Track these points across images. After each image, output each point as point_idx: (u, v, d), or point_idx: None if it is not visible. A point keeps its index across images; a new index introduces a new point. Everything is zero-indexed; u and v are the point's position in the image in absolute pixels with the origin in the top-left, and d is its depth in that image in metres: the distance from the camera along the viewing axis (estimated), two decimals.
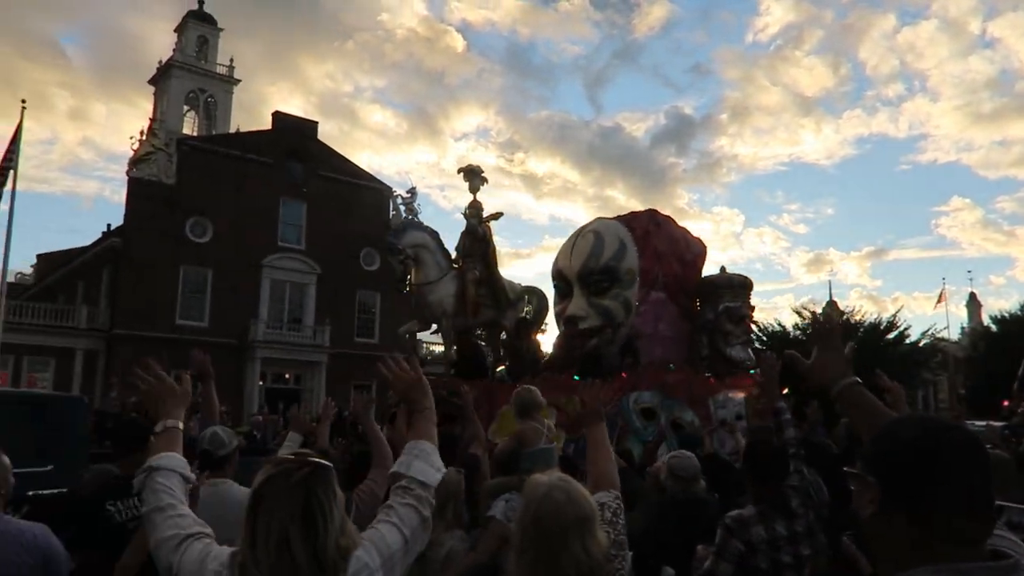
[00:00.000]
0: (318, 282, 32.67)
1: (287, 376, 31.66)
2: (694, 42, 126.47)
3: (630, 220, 11.10)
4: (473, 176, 10.88)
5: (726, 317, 10.81)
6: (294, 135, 33.13)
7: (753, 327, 13.49)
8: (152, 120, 33.89)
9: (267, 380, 30.75)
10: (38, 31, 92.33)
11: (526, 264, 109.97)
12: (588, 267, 10.26)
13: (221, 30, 42.04)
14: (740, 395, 9.89)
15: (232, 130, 37.46)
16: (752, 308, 11.32)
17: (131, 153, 30.54)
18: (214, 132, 37.26)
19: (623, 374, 9.44)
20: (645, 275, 10.63)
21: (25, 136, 14.87)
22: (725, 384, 9.97)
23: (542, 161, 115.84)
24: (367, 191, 33.87)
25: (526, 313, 11.60)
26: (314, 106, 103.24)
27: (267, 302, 31.40)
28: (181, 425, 2.06)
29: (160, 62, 41.03)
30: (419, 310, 10.69)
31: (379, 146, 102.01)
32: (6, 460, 3.11)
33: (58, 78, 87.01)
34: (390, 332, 34.15)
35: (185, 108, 39.88)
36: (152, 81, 41.88)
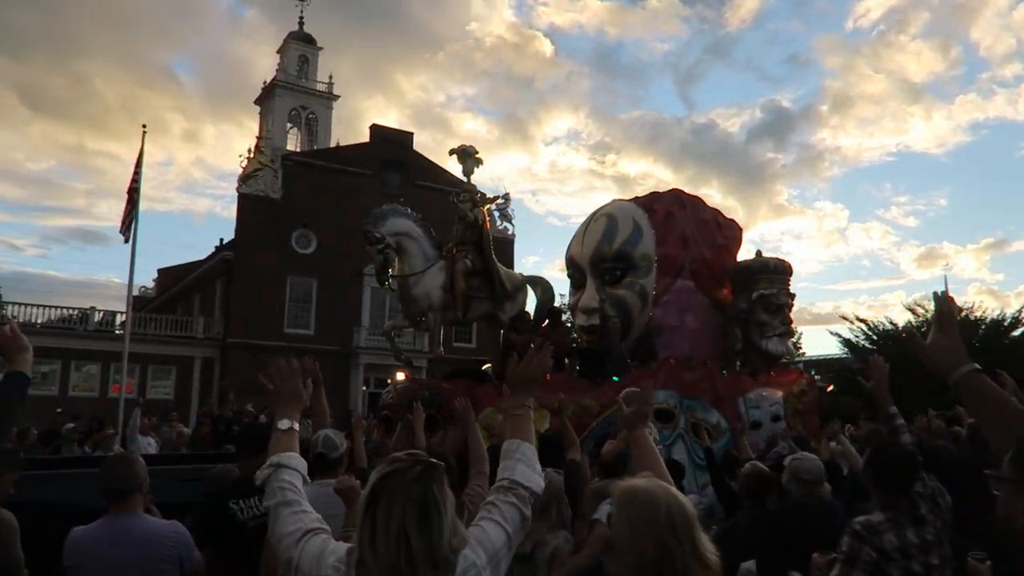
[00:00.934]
0: None
1: (389, 381, 32.47)
2: (790, 32, 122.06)
3: (650, 201, 10.12)
4: (466, 157, 10.04)
5: (761, 306, 9.78)
6: (391, 146, 34.04)
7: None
8: (259, 138, 35.50)
9: (370, 385, 31.70)
10: (154, 60, 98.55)
11: None
12: (600, 253, 9.47)
13: (320, 49, 43.70)
14: (778, 393, 9.05)
15: (332, 144, 38.78)
16: (792, 296, 10.15)
17: (240, 171, 32.09)
18: (316, 147, 38.68)
19: (631, 371, 8.41)
20: (669, 262, 9.69)
21: (145, 159, 15.84)
22: (759, 381, 9.09)
23: (634, 162, 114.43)
24: None
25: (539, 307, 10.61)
26: (408, 117, 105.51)
27: (368, 309, 32.37)
28: (298, 427, 2.17)
29: (265, 83, 43.05)
30: (404, 305, 9.71)
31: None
32: (142, 461, 3.35)
33: (172, 103, 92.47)
34: (488, 337, 34.63)
35: (288, 125, 41.62)
36: (258, 101, 43.97)
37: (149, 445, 10.09)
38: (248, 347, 28.16)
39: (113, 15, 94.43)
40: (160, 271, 45.54)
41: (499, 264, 10.02)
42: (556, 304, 11.30)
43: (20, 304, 30.58)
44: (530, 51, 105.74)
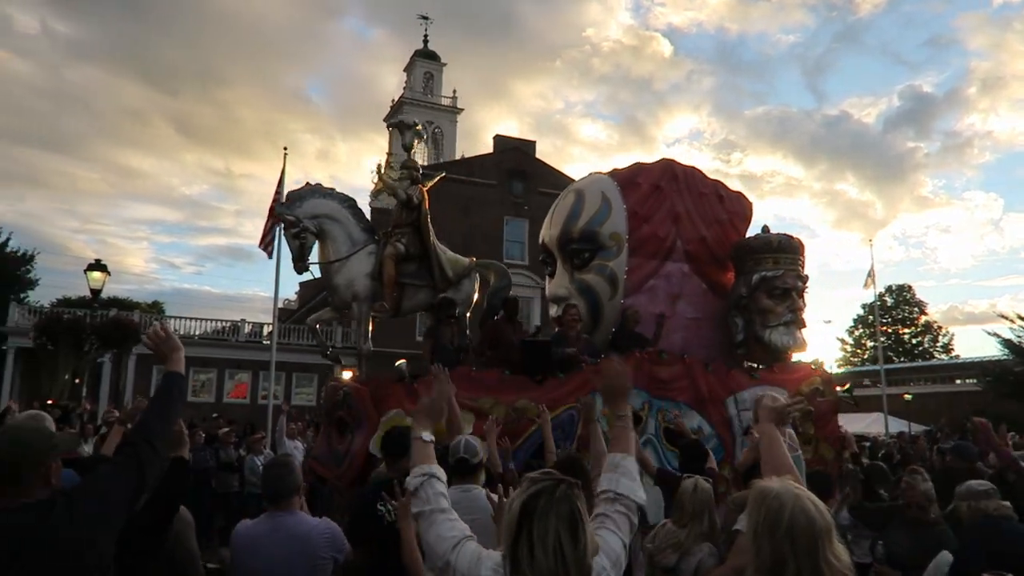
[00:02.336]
0: (542, 296, 33.59)
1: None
2: (929, 12, 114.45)
3: (633, 174, 8.78)
4: (405, 130, 9.06)
5: (763, 291, 8.31)
6: (514, 155, 34.56)
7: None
8: (388, 154, 36.94)
9: None
10: (291, 85, 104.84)
11: None
12: (566, 233, 8.39)
13: (444, 65, 45.12)
14: (782, 392, 7.46)
15: (458, 156, 39.82)
16: (803, 279, 8.56)
17: (371, 186, 33.53)
18: (441, 160, 39.87)
19: (585, 369, 7.17)
20: (656, 242, 8.46)
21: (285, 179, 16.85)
22: (756, 378, 7.71)
23: (761, 159, 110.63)
24: None
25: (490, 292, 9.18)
26: (528, 126, 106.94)
27: None
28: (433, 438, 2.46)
29: (393, 100, 44.89)
30: (329, 294, 8.79)
31: (592, 159, 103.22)
32: (298, 466, 3.61)
33: (307, 125, 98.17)
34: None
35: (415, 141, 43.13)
36: (387, 119, 45.83)
37: (296, 448, 10.54)
38: (382, 356, 29.22)
39: (250, 46, 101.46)
40: (301, 284, 48.18)
41: (443, 248, 8.88)
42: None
43: (181, 318, 33.37)
44: (648, 53, 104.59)
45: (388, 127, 8.72)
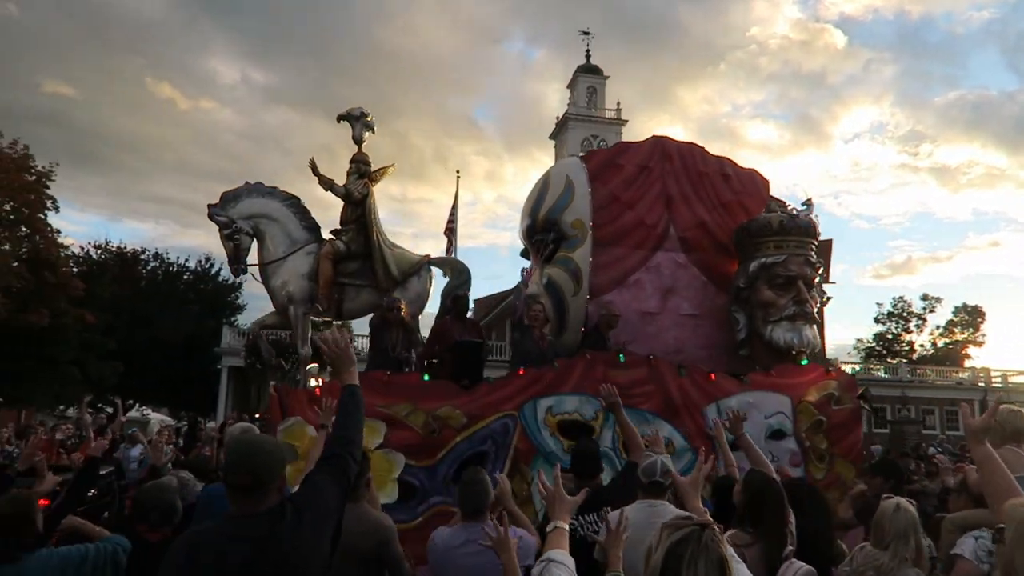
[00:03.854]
0: None
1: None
2: None
3: (614, 155, 7.90)
4: (353, 121, 8.41)
5: (764, 280, 7.19)
6: None
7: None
8: None
9: None
10: (459, 111, 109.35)
11: (944, 269, 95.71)
12: (531, 222, 7.69)
13: (607, 78, 45.16)
14: (783, 399, 6.55)
15: None
16: (813, 266, 7.39)
17: None
18: None
19: (520, 371, 6.30)
20: (643, 230, 7.58)
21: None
22: (749, 382, 6.58)
23: (955, 148, 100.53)
24: None
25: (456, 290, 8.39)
26: (693, 132, 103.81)
27: None
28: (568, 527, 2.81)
29: (557, 118, 45.58)
30: (270, 297, 8.25)
31: (763, 161, 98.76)
32: (490, 482, 3.87)
33: (475, 147, 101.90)
34: None
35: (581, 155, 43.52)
36: (552, 136, 46.56)
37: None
38: None
39: (421, 76, 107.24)
40: (474, 301, 49.84)
41: (392, 245, 8.33)
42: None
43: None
44: (819, 46, 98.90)
45: (340, 120, 7.87)
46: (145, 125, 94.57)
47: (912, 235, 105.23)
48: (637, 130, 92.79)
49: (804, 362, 7.04)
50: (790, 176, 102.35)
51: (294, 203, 8.24)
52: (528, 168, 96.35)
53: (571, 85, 45.91)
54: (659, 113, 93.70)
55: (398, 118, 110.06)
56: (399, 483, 5.57)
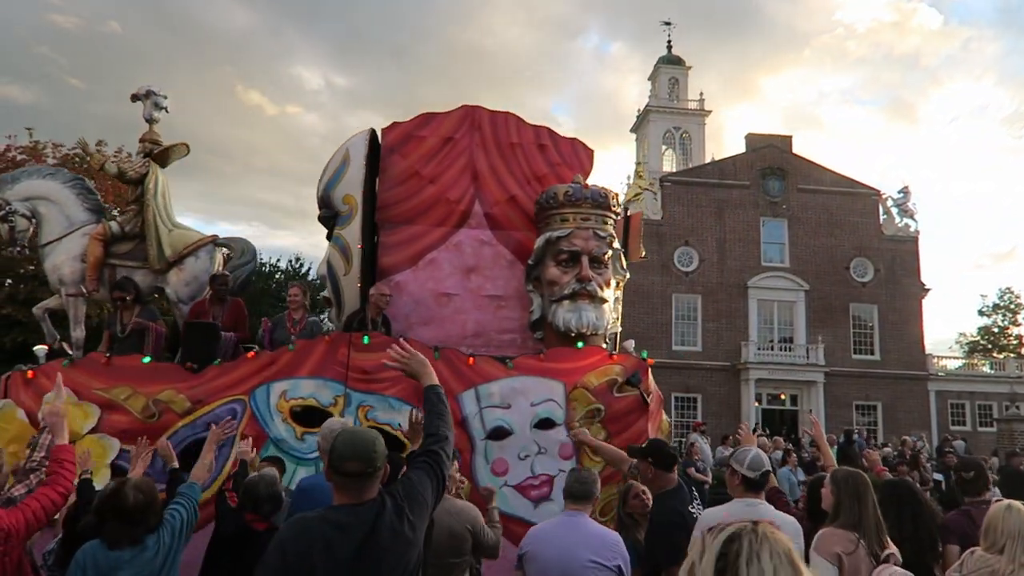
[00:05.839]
0: (806, 299, 31.65)
1: (782, 396, 31.17)
2: None
3: (416, 126, 7.43)
4: (144, 101, 8.12)
5: (551, 256, 6.77)
6: (769, 153, 32.89)
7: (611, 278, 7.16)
8: (637, 163, 37.08)
9: (762, 401, 30.74)
10: (538, 106, 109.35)
11: None
12: (317, 200, 7.36)
13: (689, 68, 44.22)
14: (554, 385, 6.08)
15: (707, 160, 38.82)
16: (607, 240, 6.91)
17: (621, 197, 33.80)
18: (690, 165, 39.06)
19: (251, 353, 6.08)
20: (444, 206, 7.27)
21: None
22: (512, 368, 6.13)
23: None
24: (851, 198, 31.86)
25: (236, 270, 8.24)
26: (778, 121, 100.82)
27: (756, 323, 31.50)
28: None
29: (638, 110, 45.01)
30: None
31: (853, 148, 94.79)
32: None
33: None
34: (893, 347, 31.32)
35: (663, 147, 42.85)
36: (633, 129, 46.04)
37: None
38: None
39: (499, 75, 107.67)
40: None
41: (173, 226, 8.00)
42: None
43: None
44: (912, 26, 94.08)
45: (134, 100, 7.66)
46: (236, 131, 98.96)
47: (1017, 222, 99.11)
48: (720, 121, 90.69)
49: (579, 344, 6.58)
50: (882, 162, 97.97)
51: (79, 184, 8.15)
52: (607, 160, 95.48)
53: (652, 77, 45.12)
54: (742, 103, 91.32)
55: None
56: (112, 468, 5.49)
